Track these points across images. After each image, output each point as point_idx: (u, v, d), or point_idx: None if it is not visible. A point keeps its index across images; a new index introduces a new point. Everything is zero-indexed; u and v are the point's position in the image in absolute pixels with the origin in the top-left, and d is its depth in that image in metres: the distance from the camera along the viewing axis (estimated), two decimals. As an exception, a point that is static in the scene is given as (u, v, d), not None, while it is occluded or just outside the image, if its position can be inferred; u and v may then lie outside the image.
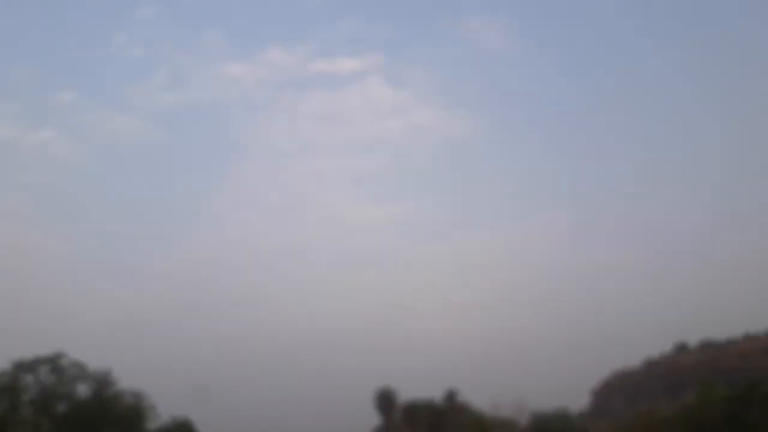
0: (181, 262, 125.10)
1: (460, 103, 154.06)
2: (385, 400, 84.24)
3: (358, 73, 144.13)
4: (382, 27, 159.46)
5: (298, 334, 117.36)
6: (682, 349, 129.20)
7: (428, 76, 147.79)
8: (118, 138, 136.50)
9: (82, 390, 63.82)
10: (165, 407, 72.95)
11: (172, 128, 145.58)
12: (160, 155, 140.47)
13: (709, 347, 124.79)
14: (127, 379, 67.37)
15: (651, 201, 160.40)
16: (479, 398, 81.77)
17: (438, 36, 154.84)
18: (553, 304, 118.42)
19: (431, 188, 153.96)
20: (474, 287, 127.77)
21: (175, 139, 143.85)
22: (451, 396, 77.13)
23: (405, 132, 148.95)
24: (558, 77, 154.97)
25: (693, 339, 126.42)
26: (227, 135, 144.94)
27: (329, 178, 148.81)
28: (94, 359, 65.41)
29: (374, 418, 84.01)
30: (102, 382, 63.79)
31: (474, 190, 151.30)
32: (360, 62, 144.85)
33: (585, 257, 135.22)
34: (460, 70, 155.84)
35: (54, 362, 62.47)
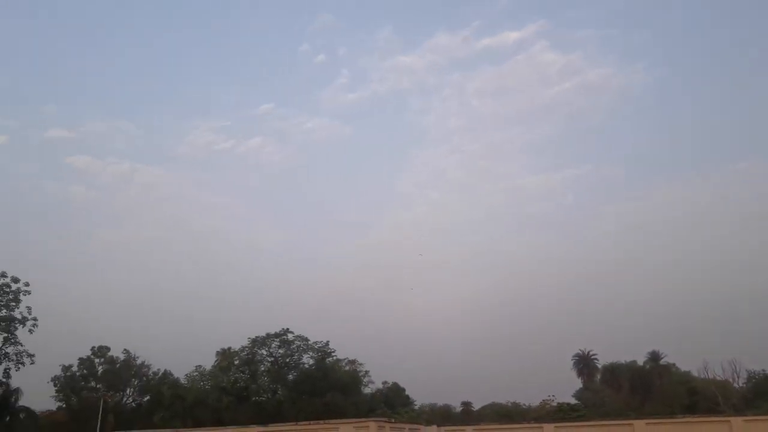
0: (374, 243, 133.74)
1: (632, 57, 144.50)
2: (585, 363, 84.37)
3: (522, 43, 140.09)
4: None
5: (494, 300, 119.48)
6: None
7: (595, 33, 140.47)
8: (312, 138, 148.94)
9: (307, 360, 72.25)
10: (377, 374, 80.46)
11: (357, 123, 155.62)
12: (349, 149, 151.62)
13: None
14: (343, 349, 75.39)
15: None
16: (685, 361, 78.80)
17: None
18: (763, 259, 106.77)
19: (610, 147, 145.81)
20: (668, 245, 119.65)
21: (360, 133, 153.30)
22: (654, 358, 74.86)
23: (577, 94, 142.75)
24: (735, 17, 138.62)
25: None
26: (406, 122, 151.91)
27: (505, 150, 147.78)
28: (314, 333, 73.67)
29: (575, 381, 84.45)
30: (323, 353, 71.58)
31: (655, 143, 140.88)
32: (523, 32, 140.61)
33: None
34: (628, 22, 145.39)
35: (282, 337, 71.35)
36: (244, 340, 71.83)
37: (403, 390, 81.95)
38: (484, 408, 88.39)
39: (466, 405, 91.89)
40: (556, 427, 31.46)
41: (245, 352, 71.30)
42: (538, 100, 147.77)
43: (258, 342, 71.45)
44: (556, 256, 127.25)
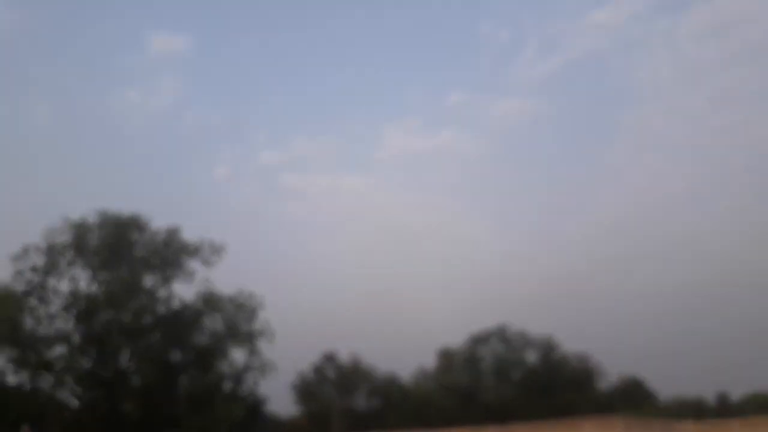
0: (593, 223, 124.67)
1: None
2: None
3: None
4: None
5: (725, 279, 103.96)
6: None
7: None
8: (506, 121, 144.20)
9: (530, 356, 69.17)
10: (611, 367, 73.97)
11: (552, 96, 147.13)
12: (546, 125, 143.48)
13: None
14: (569, 343, 70.81)
15: None
16: None
17: None
18: None
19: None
20: None
21: (556, 106, 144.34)
22: None
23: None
24: None
25: None
26: (609, 85, 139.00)
27: (735, 98, 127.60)
28: (534, 327, 70.29)
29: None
30: (547, 348, 67.97)
31: None
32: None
33: None
34: None
35: (501, 333, 69.21)
36: (462, 338, 71.18)
37: (643, 383, 74.42)
38: (745, 399, 76.67)
39: (722, 396, 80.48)
40: None
41: (465, 351, 70.63)
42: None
43: (477, 340, 70.24)
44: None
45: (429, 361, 73.16)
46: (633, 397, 69.62)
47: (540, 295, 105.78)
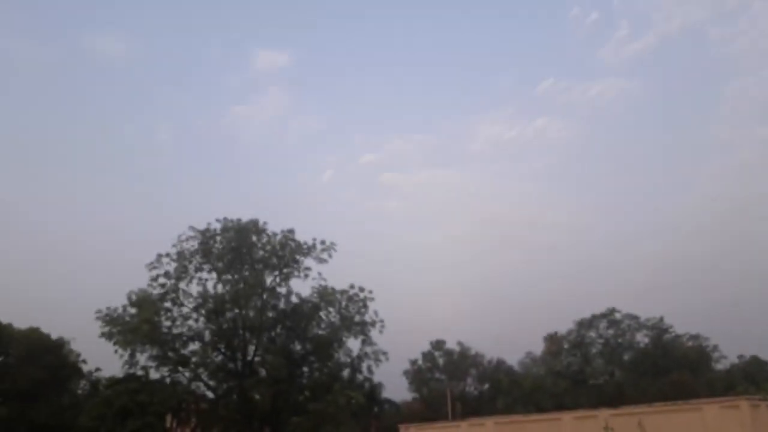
0: (699, 201, 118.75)
1: None
2: None
3: None
4: None
5: None
6: None
7: None
8: (599, 104, 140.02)
9: (641, 338, 67.62)
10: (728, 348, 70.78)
11: (647, 74, 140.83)
12: (641, 104, 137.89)
13: None
14: (681, 325, 68.57)
15: None
16: None
17: None
18: None
19: None
20: None
21: (651, 85, 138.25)
22: None
23: None
24: None
25: None
26: (709, 56, 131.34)
27: None
28: (643, 310, 68.58)
29: None
30: (658, 330, 66.17)
31: None
32: None
33: None
34: None
35: (609, 317, 68.06)
36: (569, 323, 70.64)
37: (766, 363, 70.59)
38: None
39: None
40: None
41: (573, 336, 70.07)
42: None
43: (584, 324, 69.49)
44: None
45: (535, 346, 73.33)
46: (755, 376, 66.23)
47: (648, 278, 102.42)
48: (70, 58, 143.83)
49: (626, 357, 68.02)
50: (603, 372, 69.23)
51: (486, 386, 68.11)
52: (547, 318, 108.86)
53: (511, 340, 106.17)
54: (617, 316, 67.83)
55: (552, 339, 70.58)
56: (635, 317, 67.15)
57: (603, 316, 68.42)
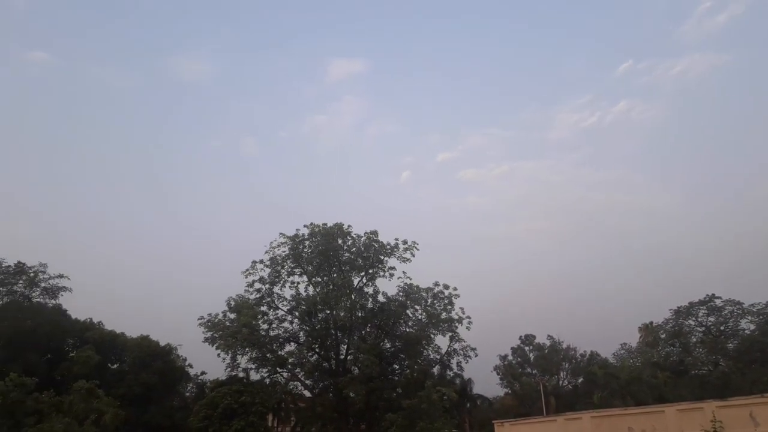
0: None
1: None
2: None
3: None
4: None
5: None
6: None
7: None
8: (684, 83, 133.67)
9: (746, 325, 63.86)
10: None
11: (735, 46, 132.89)
12: (732, 78, 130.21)
13: None
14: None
15: None
16: None
17: None
18: None
19: None
20: None
21: (741, 56, 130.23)
22: None
23: None
24: None
25: None
26: None
27: None
28: (747, 295, 64.90)
29: None
30: (765, 316, 62.30)
31: None
32: None
33: None
34: None
35: (709, 304, 64.71)
36: (664, 312, 67.82)
37: None
38: None
39: None
40: None
41: (670, 325, 67.15)
42: None
43: (682, 312, 66.42)
44: None
45: (628, 337, 70.97)
46: None
47: (746, 262, 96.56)
48: (156, 81, 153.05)
49: (731, 345, 64.36)
50: (705, 362, 65.85)
51: (580, 380, 66.44)
52: (639, 307, 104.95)
53: (603, 331, 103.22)
54: (718, 302, 64.34)
55: (648, 329, 67.95)
56: (738, 303, 63.39)
57: (702, 303, 65.09)
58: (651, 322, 68.26)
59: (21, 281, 50.39)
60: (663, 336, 66.97)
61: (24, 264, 50.54)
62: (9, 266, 50.04)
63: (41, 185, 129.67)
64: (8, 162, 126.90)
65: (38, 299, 50.63)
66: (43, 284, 50.86)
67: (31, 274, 50.50)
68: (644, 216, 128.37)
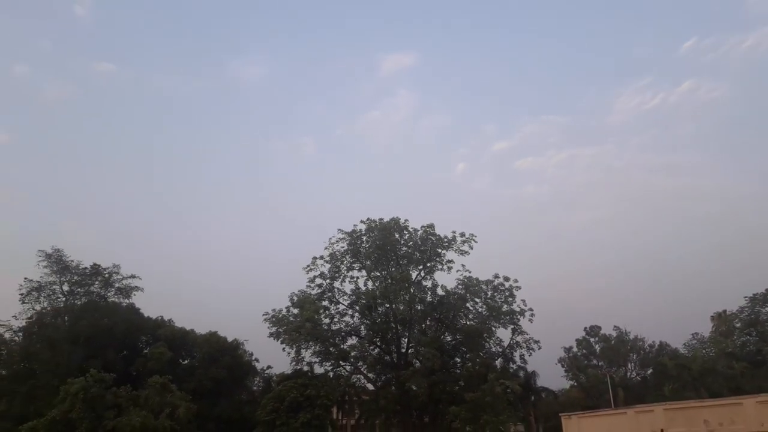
0: None
1: None
2: None
3: None
4: None
5: None
6: None
7: None
8: (752, 60, 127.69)
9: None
10: None
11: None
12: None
13: None
14: None
15: None
16: None
17: None
18: None
19: None
20: None
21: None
22: None
23: None
24: None
25: None
26: None
27: None
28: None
29: None
30: None
31: None
32: None
33: None
34: None
35: (786, 290, 61.36)
36: (738, 300, 64.66)
37: None
38: None
39: None
40: None
41: (745, 313, 64.01)
42: None
43: (758, 300, 63.14)
44: None
45: (700, 326, 68.16)
46: None
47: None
48: (218, 86, 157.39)
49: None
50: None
51: (649, 371, 64.27)
52: (710, 296, 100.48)
53: (673, 321, 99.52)
54: (798, 288, 60.85)
55: (721, 318, 64.97)
56: (823, 288, 59.89)
57: (779, 289, 61.77)
58: (724, 311, 65.24)
59: (97, 282, 52.86)
60: (738, 325, 63.90)
61: (99, 266, 53.00)
62: (86, 268, 52.55)
63: (117, 192, 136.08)
64: (84, 170, 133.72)
65: (113, 299, 53.01)
66: (117, 284, 53.19)
67: (106, 275, 52.92)
68: (716, 201, 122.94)
